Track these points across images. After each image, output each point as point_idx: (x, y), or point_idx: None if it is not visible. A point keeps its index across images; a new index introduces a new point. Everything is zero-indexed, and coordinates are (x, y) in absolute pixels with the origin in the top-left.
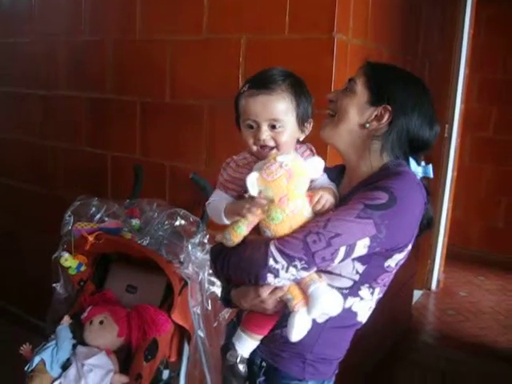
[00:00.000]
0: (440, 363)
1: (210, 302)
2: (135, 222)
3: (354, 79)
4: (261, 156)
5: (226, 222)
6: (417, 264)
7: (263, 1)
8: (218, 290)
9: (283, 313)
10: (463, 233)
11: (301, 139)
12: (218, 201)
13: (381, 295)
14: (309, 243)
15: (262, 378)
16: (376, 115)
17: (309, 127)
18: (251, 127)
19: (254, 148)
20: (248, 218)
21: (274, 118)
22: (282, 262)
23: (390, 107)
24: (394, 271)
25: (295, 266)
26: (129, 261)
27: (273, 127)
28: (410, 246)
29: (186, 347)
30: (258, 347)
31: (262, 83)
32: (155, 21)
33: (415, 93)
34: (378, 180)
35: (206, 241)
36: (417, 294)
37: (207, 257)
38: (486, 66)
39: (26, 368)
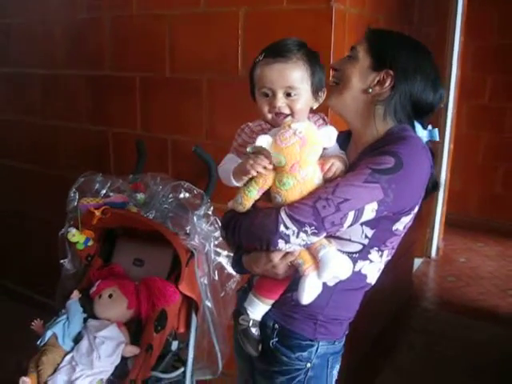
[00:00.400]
0: (442, 328)
1: (216, 272)
2: (140, 196)
3: (356, 46)
4: (276, 123)
5: (235, 183)
6: (416, 232)
7: None
8: (224, 260)
9: (294, 277)
10: (462, 200)
11: (314, 108)
12: (229, 163)
13: (389, 257)
14: (318, 209)
15: (275, 339)
16: (378, 80)
17: (322, 96)
18: (266, 95)
19: (269, 116)
20: (259, 181)
21: (289, 86)
22: (293, 227)
23: (391, 72)
24: (402, 234)
25: (305, 232)
26: (135, 235)
27: (288, 95)
28: (416, 209)
29: (194, 318)
30: (270, 310)
31: (277, 52)
32: None
33: (417, 56)
34: (383, 145)
35: (210, 212)
36: (417, 261)
37: (212, 228)
38: (481, 34)
39: (38, 342)
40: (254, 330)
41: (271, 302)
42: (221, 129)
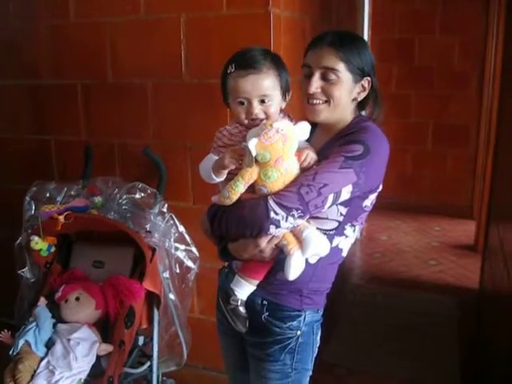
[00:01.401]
0: (374, 299)
1: (177, 266)
2: (97, 199)
3: (334, 68)
4: (252, 126)
5: (215, 178)
6: None
7: None
8: (182, 254)
9: (277, 258)
10: None
11: (283, 107)
12: (209, 161)
13: (359, 232)
14: (302, 194)
15: (266, 314)
16: (360, 88)
17: (289, 96)
18: (242, 103)
19: (246, 121)
20: (245, 175)
21: (263, 94)
22: (282, 213)
23: (368, 77)
24: (369, 210)
25: (293, 216)
26: (90, 238)
27: (262, 101)
28: (380, 187)
29: (156, 312)
30: (255, 290)
31: (248, 64)
32: (89, 3)
33: (368, 50)
34: (348, 134)
35: (165, 210)
36: None
37: (169, 225)
38: (384, 28)
39: (10, 352)
40: (242, 309)
41: (257, 282)
42: (167, 130)
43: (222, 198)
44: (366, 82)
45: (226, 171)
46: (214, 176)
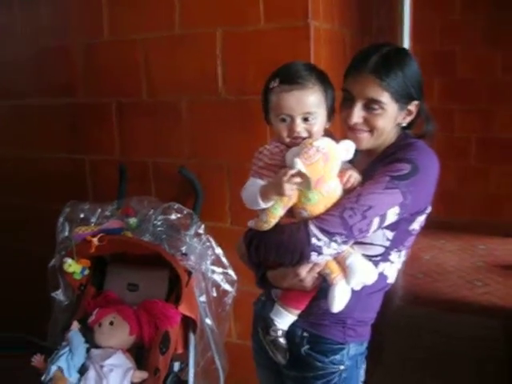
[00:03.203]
0: (418, 322)
1: (214, 289)
2: (132, 220)
3: (378, 100)
4: (293, 145)
5: (262, 204)
6: None
7: None
8: (219, 277)
9: (320, 286)
10: None
11: (327, 127)
12: (254, 186)
13: (405, 257)
14: (346, 218)
15: (306, 347)
16: (406, 113)
17: (333, 116)
18: (284, 120)
19: (287, 140)
20: (284, 198)
21: (307, 112)
22: (324, 238)
23: (416, 101)
24: (417, 233)
25: (336, 241)
26: (125, 260)
27: (305, 119)
28: (429, 208)
29: (192, 338)
30: (297, 320)
31: (292, 79)
32: (124, 20)
33: (417, 73)
34: (394, 152)
35: (201, 231)
36: None
37: (206, 247)
38: (425, 40)
39: (42, 378)
40: (282, 340)
41: (298, 312)
42: (203, 149)
43: (259, 223)
44: (413, 106)
45: (279, 196)
46: (262, 202)
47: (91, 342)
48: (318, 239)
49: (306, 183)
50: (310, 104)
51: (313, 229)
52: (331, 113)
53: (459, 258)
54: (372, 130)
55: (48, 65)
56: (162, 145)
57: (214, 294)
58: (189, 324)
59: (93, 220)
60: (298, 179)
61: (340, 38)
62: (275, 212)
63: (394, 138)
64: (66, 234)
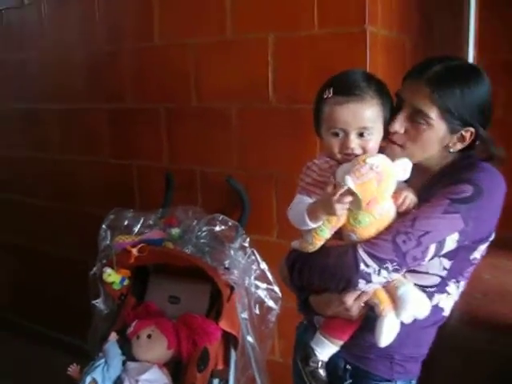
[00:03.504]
0: (475, 345)
1: (257, 306)
2: (175, 230)
3: (425, 112)
4: (345, 162)
5: (310, 224)
6: None
7: None
8: (263, 293)
9: (366, 316)
10: None
11: (383, 144)
12: (301, 204)
13: (464, 287)
14: (399, 244)
15: (349, 381)
16: (458, 138)
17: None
18: (337, 134)
19: (339, 156)
20: (332, 219)
21: (364, 127)
22: (373, 265)
23: (472, 129)
24: (478, 262)
25: (386, 269)
26: (167, 271)
27: (361, 135)
28: (493, 235)
29: (233, 353)
30: (340, 351)
31: (349, 90)
32: (174, 25)
33: (483, 98)
34: (453, 173)
35: (246, 244)
36: None
37: (251, 261)
38: (493, 48)
39: None
40: (322, 372)
41: (341, 342)
42: (252, 159)
43: (303, 244)
44: (467, 133)
45: (329, 216)
46: (309, 222)
47: (128, 355)
48: (367, 265)
49: (356, 203)
50: (366, 119)
51: (362, 254)
52: (388, 128)
53: None
54: (404, 145)
55: (98, 69)
56: (211, 153)
57: (257, 311)
58: (230, 340)
59: (135, 229)
60: (349, 198)
61: (399, 45)
62: (322, 234)
63: (446, 161)
64: (108, 242)
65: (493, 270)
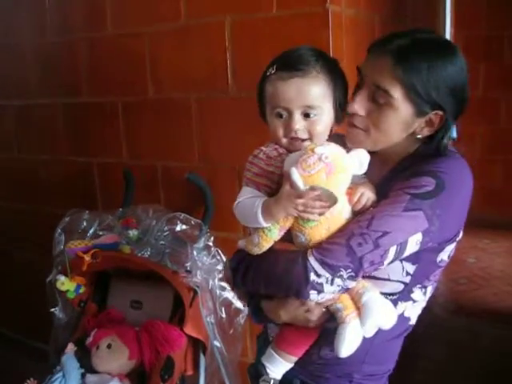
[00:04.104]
0: (460, 335)
1: (223, 309)
2: (132, 232)
3: (388, 90)
4: (292, 149)
5: (263, 223)
6: None
7: None
8: (230, 294)
9: (323, 329)
10: None
11: (333, 130)
12: (250, 199)
13: (432, 292)
14: (353, 247)
15: None
16: (426, 122)
17: (344, 116)
18: (281, 116)
19: (284, 140)
20: (279, 220)
21: (308, 105)
22: (326, 274)
23: (440, 112)
24: (445, 264)
25: (341, 277)
26: (129, 274)
27: (306, 115)
28: (461, 234)
29: (202, 358)
30: (293, 369)
31: (292, 64)
32: (127, 13)
33: (454, 79)
34: (416, 163)
35: (211, 243)
36: None
37: (215, 261)
38: (471, 24)
39: None
40: None
41: (294, 359)
42: (214, 151)
43: (249, 245)
44: (436, 116)
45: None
46: (263, 221)
47: (88, 366)
48: (318, 275)
49: (329, 199)
50: (312, 96)
51: (312, 262)
52: (341, 111)
53: (507, 261)
54: (368, 129)
55: (51, 61)
56: (171, 147)
57: (223, 315)
58: (199, 344)
59: (91, 232)
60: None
61: (368, 24)
62: (270, 234)
63: (412, 149)
64: (62, 247)
65: (477, 252)
